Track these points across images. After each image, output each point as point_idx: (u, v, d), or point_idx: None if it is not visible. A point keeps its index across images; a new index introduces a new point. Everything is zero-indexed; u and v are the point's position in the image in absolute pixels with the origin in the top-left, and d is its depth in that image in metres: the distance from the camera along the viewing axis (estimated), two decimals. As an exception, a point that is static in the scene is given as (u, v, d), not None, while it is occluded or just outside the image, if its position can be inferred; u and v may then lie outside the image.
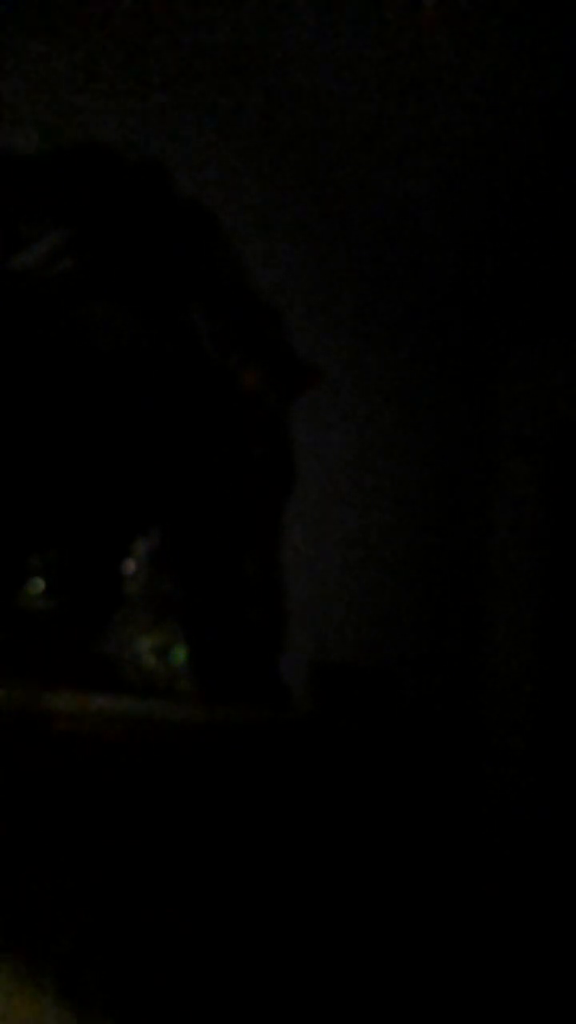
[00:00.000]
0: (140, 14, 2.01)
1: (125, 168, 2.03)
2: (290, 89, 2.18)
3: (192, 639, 1.87)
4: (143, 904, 1.64)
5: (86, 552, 1.89)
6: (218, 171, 2.33)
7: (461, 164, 2.43)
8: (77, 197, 1.96)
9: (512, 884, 2.91)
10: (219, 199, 2.28)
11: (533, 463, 3.17)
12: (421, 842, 2.53)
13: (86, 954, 1.55)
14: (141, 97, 2.16)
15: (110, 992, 1.56)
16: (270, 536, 2.25)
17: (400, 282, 2.93)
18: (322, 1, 1.93)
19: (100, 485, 1.96)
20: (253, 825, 1.83)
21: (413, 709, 2.69)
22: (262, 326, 2.22)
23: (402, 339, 2.93)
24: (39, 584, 1.80)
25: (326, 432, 2.59)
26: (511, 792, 3.01)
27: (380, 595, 2.73)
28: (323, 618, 2.50)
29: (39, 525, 1.87)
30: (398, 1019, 2.10)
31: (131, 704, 1.72)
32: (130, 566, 1.88)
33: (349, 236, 2.73)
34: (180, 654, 1.84)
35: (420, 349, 3.00)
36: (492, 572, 3.19)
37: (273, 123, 2.30)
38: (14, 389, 1.88)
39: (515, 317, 3.17)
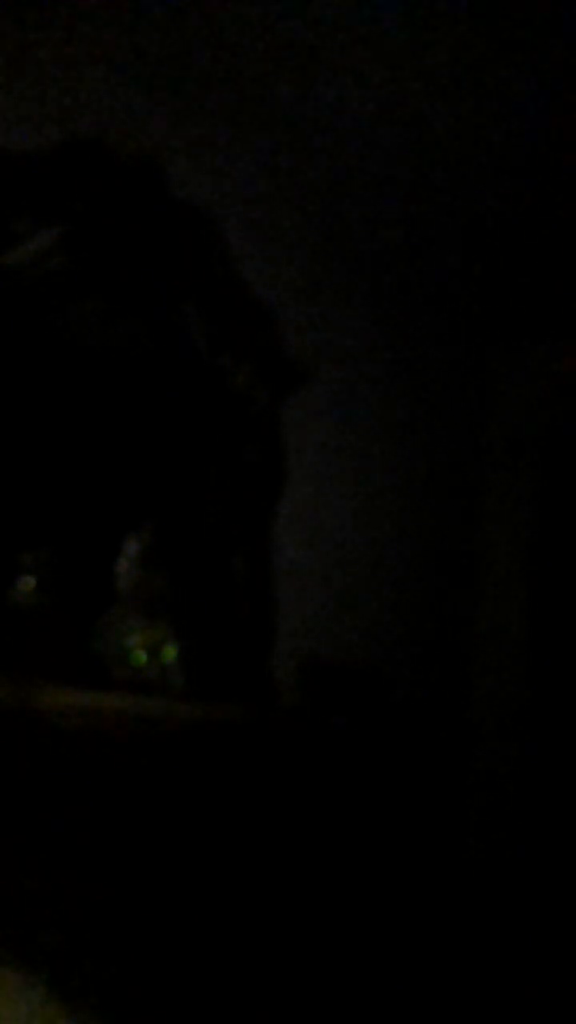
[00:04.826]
0: (138, 9, 2.01)
1: (119, 165, 2.03)
2: (286, 86, 2.18)
3: (182, 637, 1.88)
4: (134, 900, 1.65)
5: (77, 550, 1.90)
6: (213, 168, 2.33)
7: (455, 166, 2.43)
8: (70, 194, 1.96)
9: (502, 880, 2.92)
10: (213, 196, 2.28)
11: (525, 465, 3.18)
12: (411, 838, 2.55)
13: (76, 950, 1.56)
14: (136, 93, 2.16)
15: (101, 988, 1.57)
16: (260, 534, 2.25)
17: (392, 283, 2.93)
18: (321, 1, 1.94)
19: (91, 483, 1.96)
20: (243, 821, 1.83)
21: (402, 706, 2.70)
22: (255, 325, 2.23)
23: (393, 340, 2.93)
24: (30, 581, 1.81)
25: (316, 431, 2.60)
26: (501, 789, 3.03)
27: (370, 594, 2.73)
28: (312, 616, 2.50)
29: (30, 522, 1.87)
30: (391, 1018, 2.11)
31: (121, 701, 1.73)
32: (121, 564, 1.88)
33: (341, 236, 2.73)
34: (170, 652, 1.85)
35: (412, 349, 3.01)
36: (482, 571, 3.20)
37: (268, 119, 2.30)
38: (5, 386, 1.88)
39: (508, 318, 3.17)
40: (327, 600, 2.59)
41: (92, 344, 1.99)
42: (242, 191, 2.42)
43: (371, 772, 2.23)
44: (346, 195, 2.58)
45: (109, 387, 2.01)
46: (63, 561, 1.85)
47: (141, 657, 1.82)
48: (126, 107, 2.14)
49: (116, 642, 1.83)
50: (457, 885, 2.80)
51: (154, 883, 1.68)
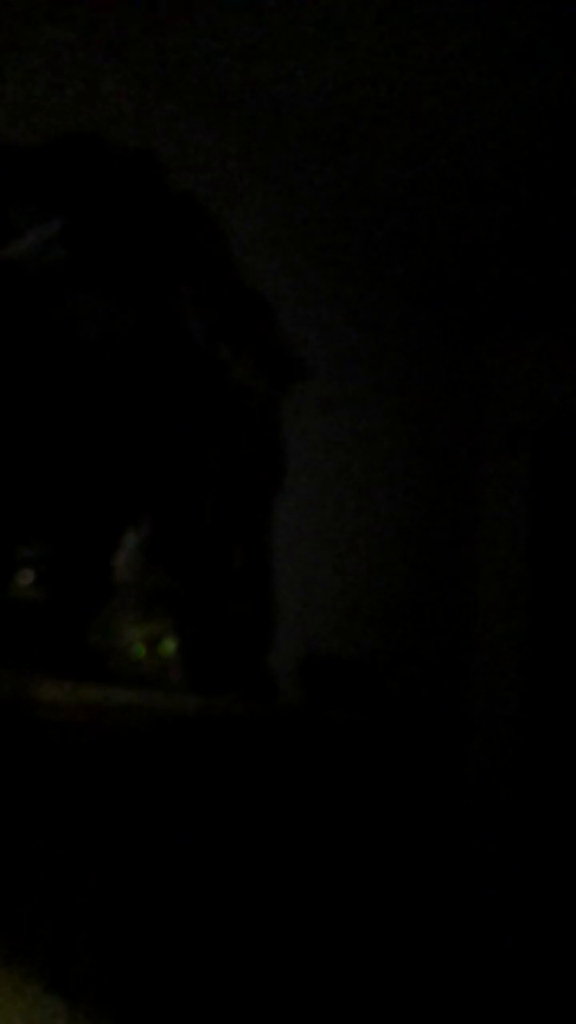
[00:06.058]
0: (137, 5, 2.00)
1: (118, 158, 2.03)
2: (284, 80, 2.18)
3: (182, 630, 1.87)
4: (133, 895, 1.64)
5: (76, 543, 1.89)
6: (211, 162, 2.33)
7: (453, 163, 2.43)
8: (70, 186, 1.95)
9: (500, 874, 2.92)
10: (211, 190, 2.28)
11: (521, 457, 3.19)
12: (409, 832, 2.54)
13: (75, 945, 1.55)
14: (135, 87, 2.16)
15: (99, 983, 1.56)
16: (260, 528, 2.25)
17: (390, 276, 2.93)
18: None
19: (91, 476, 1.96)
20: (242, 815, 1.83)
21: (400, 701, 2.70)
22: (253, 318, 2.22)
23: (392, 333, 2.94)
24: (29, 575, 1.80)
25: (316, 425, 2.59)
26: (498, 783, 3.03)
27: (369, 588, 2.73)
28: (312, 610, 2.50)
29: (29, 516, 1.86)
30: (389, 1015, 2.11)
31: (121, 695, 1.72)
32: (120, 557, 1.88)
33: (340, 230, 2.73)
34: (170, 645, 1.84)
35: (410, 342, 3.01)
36: (480, 565, 3.21)
37: (266, 113, 2.30)
38: (3, 379, 1.87)
39: (503, 311, 3.18)
40: (326, 594, 2.58)
41: (91, 336, 1.98)
42: (241, 186, 2.42)
43: (370, 766, 2.23)
44: (345, 190, 2.58)
45: (108, 379, 2.01)
46: (62, 554, 1.84)
47: (140, 650, 1.81)
48: (125, 100, 2.14)
49: (115, 635, 1.82)
50: (455, 876, 2.80)
51: (153, 877, 1.68)
